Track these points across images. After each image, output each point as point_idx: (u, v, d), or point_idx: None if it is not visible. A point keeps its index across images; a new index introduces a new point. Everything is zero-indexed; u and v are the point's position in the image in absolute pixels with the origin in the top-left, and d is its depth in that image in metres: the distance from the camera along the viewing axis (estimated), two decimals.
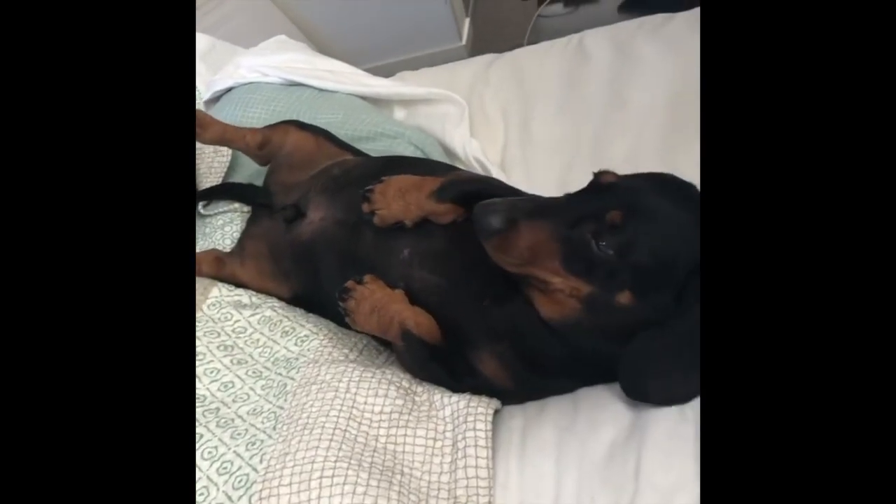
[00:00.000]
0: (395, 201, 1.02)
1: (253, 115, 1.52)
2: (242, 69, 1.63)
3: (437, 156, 1.43)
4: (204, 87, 1.68)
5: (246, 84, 1.62)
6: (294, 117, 1.48)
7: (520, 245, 0.86)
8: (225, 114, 1.57)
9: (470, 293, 0.99)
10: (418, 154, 1.41)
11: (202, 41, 1.82)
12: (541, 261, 0.86)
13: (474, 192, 0.99)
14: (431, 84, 1.58)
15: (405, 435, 0.96)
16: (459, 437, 0.95)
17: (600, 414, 0.95)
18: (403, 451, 0.95)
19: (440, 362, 1.01)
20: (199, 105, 1.66)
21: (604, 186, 0.87)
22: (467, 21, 3.20)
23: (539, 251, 0.86)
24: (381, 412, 0.97)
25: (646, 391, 0.90)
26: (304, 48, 1.77)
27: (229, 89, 1.64)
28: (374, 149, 1.41)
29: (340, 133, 1.43)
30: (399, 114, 1.55)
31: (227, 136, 1.31)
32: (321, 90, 1.56)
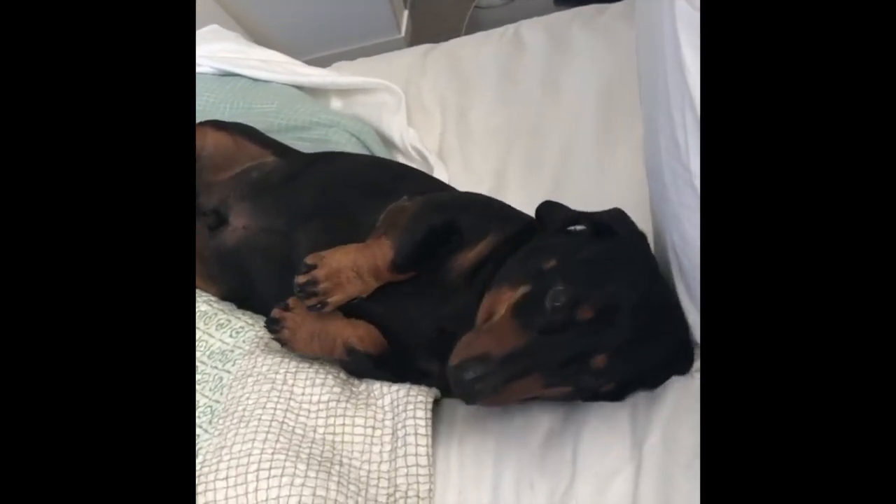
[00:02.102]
0: (352, 283, 0.96)
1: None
2: None
3: (375, 144, 1.41)
4: None
5: None
6: (228, 108, 1.45)
7: (514, 393, 0.85)
8: None
9: (418, 301, 0.98)
10: (354, 142, 1.39)
11: None
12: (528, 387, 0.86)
13: (431, 242, 0.98)
14: (368, 74, 1.57)
15: (343, 424, 0.95)
16: (399, 425, 0.95)
17: (537, 403, 0.96)
18: (342, 441, 0.94)
19: (387, 369, 1.00)
20: None
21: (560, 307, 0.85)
22: (406, 13, 3.19)
23: (527, 388, 0.86)
24: (318, 402, 0.97)
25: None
26: (238, 38, 1.74)
27: None
28: (310, 137, 1.39)
29: (275, 123, 1.41)
30: (335, 103, 1.53)
31: None
32: (255, 80, 1.52)
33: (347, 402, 0.97)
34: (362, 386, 1.01)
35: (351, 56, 1.80)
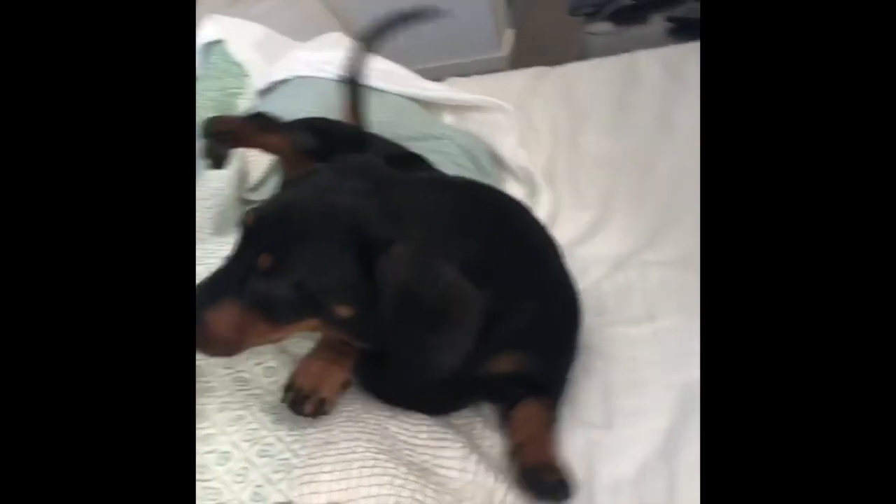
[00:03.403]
0: (333, 366, 0.95)
1: (306, 110, 1.54)
2: (298, 63, 1.65)
3: (484, 160, 1.44)
4: (258, 77, 1.70)
5: (301, 78, 1.64)
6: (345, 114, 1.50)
7: (221, 334, 0.81)
8: (278, 106, 1.58)
9: None
10: (464, 157, 1.42)
11: (257, 31, 1.84)
12: (249, 333, 0.82)
13: None
14: (481, 92, 1.60)
15: (443, 438, 0.97)
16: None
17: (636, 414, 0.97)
18: (441, 456, 0.95)
19: None
20: (252, 94, 1.68)
21: (250, 229, 0.83)
22: (508, 32, 3.22)
23: (240, 326, 0.81)
24: (420, 417, 0.99)
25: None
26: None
27: (283, 81, 1.66)
28: (422, 147, 1.41)
29: (388, 133, 1.45)
30: (448, 118, 1.57)
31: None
32: (373, 89, 1.58)
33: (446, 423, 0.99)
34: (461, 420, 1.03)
35: (451, 70, 1.84)
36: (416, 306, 0.78)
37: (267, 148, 1.26)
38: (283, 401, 0.92)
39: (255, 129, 1.23)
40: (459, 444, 0.96)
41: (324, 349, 0.96)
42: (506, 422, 0.99)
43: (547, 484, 0.91)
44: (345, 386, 0.96)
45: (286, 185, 0.86)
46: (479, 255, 0.85)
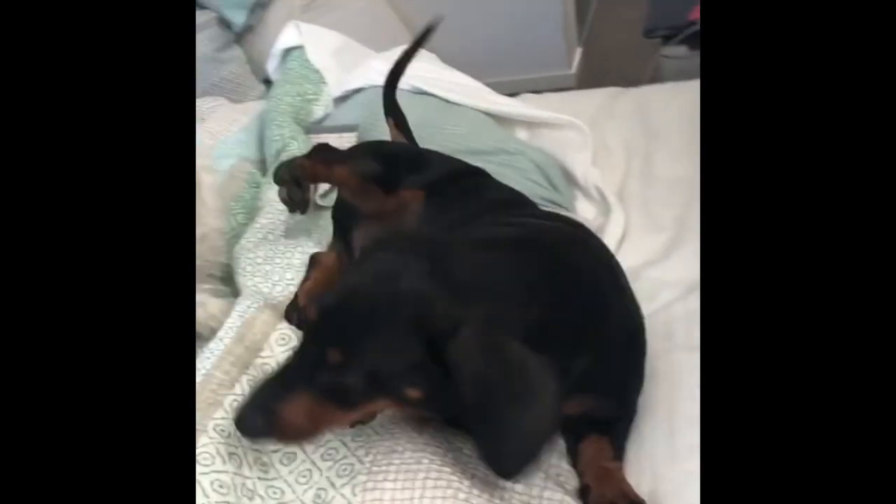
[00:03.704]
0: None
1: (380, 119, 1.56)
2: (374, 72, 1.67)
3: (556, 177, 1.43)
4: (334, 84, 1.73)
5: (376, 87, 1.65)
6: (420, 125, 1.51)
7: (295, 424, 0.82)
8: (353, 114, 1.61)
9: None
10: (537, 173, 1.41)
11: (335, 38, 1.87)
12: (322, 420, 0.84)
13: None
14: (554, 109, 1.59)
15: None
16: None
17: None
18: None
19: None
20: (328, 102, 1.71)
21: (316, 323, 0.84)
22: (579, 50, 3.21)
23: (313, 415, 0.82)
24: None
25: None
26: (434, 59, 1.81)
27: (359, 90, 1.68)
28: (495, 161, 1.42)
29: (463, 145, 1.45)
30: (521, 134, 1.57)
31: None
32: (447, 101, 1.59)
33: None
34: None
35: (519, 85, 1.84)
36: (492, 393, 0.78)
37: (334, 181, 1.28)
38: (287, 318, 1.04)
39: (323, 164, 1.25)
40: None
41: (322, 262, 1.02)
42: (574, 458, 0.98)
43: None
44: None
45: (346, 273, 0.89)
46: (544, 317, 0.85)
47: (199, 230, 1.18)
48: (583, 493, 0.93)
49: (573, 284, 0.92)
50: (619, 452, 0.97)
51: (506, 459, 0.81)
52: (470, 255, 0.87)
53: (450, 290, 0.81)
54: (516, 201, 1.17)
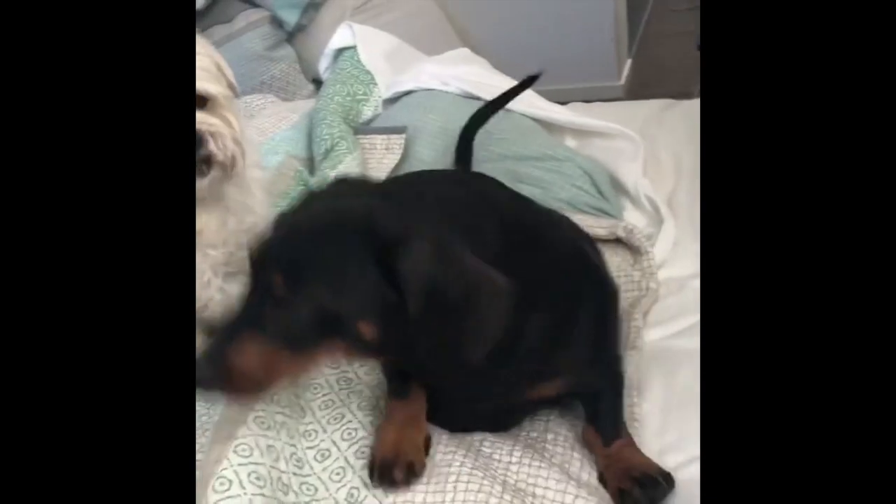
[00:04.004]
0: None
1: (429, 121, 1.56)
2: (425, 75, 1.68)
3: (605, 185, 1.42)
4: (384, 86, 1.74)
5: (426, 90, 1.66)
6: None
7: (246, 372, 0.75)
8: (402, 116, 1.61)
9: None
10: (585, 179, 1.41)
11: (388, 40, 1.88)
12: (275, 368, 0.76)
13: None
14: (604, 119, 1.58)
15: (540, 466, 0.95)
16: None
17: None
18: (537, 477, 0.94)
19: None
20: (378, 103, 1.72)
21: (260, 258, 0.78)
22: (629, 61, 3.20)
23: (264, 361, 0.75)
24: (514, 442, 0.98)
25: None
26: (485, 63, 1.81)
27: (409, 92, 1.69)
28: (543, 167, 1.42)
29: (511, 149, 1.45)
30: (570, 142, 1.56)
31: None
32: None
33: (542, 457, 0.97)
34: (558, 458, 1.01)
35: (567, 94, 1.83)
36: (442, 300, 0.71)
37: None
38: (371, 479, 0.89)
39: None
40: (556, 467, 0.94)
41: (392, 415, 0.94)
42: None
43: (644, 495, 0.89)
44: (426, 442, 0.94)
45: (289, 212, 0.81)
46: (503, 252, 0.78)
47: (249, 219, 1.19)
48: (602, 482, 0.93)
49: (530, 236, 0.87)
50: (612, 431, 0.94)
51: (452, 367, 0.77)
52: (425, 183, 0.84)
53: (403, 209, 0.75)
54: None
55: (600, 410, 0.96)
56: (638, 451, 0.94)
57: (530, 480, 0.91)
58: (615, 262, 1.26)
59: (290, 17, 2.34)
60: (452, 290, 0.71)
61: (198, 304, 1.20)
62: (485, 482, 0.88)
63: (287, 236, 0.77)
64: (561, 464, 0.95)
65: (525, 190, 1.36)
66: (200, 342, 1.22)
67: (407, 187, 0.82)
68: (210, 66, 1.10)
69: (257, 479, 0.85)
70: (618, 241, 1.30)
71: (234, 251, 1.21)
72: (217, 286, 1.20)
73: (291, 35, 2.41)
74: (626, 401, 1.00)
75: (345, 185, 0.84)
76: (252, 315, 0.75)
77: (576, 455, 0.97)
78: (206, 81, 1.07)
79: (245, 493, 0.83)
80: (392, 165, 1.52)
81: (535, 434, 1.01)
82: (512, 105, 1.56)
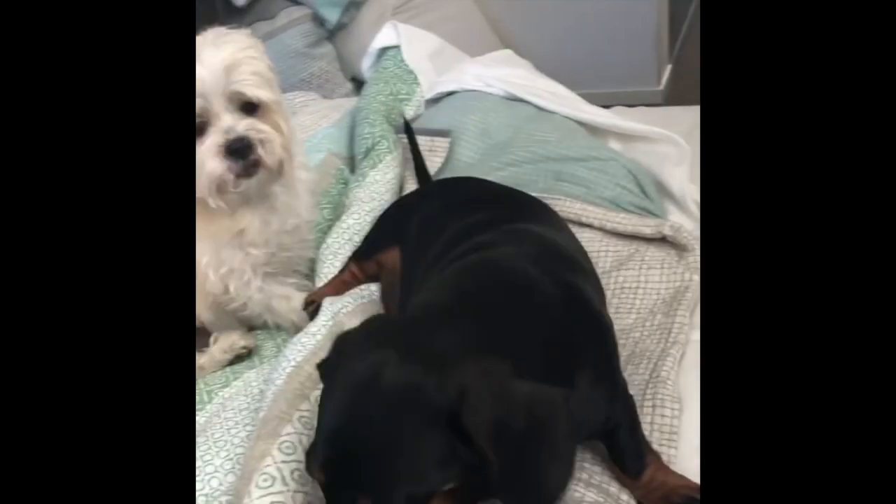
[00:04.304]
0: None
1: (469, 122, 1.56)
2: (467, 76, 1.67)
3: (649, 186, 1.40)
4: (427, 86, 1.74)
5: (469, 91, 1.66)
6: (512, 131, 1.51)
7: None
8: (443, 116, 1.61)
9: None
10: (629, 179, 1.39)
11: (431, 40, 1.88)
12: None
13: None
14: (647, 123, 1.56)
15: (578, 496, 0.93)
16: None
17: None
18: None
19: None
20: (420, 103, 1.71)
21: (326, 484, 0.73)
22: (669, 67, 3.16)
23: None
24: None
25: None
26: (528, 65, 1.81)
27: (451, 93, 1.69)
28: (585, 167, 1.41)
29: (554, 151, 1.44)
30: (614, 146, 1.54)
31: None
32: (540, 109, 1.58)
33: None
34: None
35: (606, 98, 1.82)
36: (509, 434, 0.70)
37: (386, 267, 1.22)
38: None
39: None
40: (594, 488, 0.93)
41: None
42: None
43: None
44: None
45: (323, 412, 0.76)
46: (534, 343, 0.80)
47: (292, 221, 1.19)
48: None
49: (545, 303, 0.86)
50: (638, 463, 0.92)
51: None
52: (433, 320, 0.80)
53: (435, 363, 0.72)
54: (490, 221, 1.05)
55: (621, 447, 0.93)
56: (671, 471, 0.92)
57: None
58: (659, 256, 1.24)
59: (332, 15, 2.34)
60: (515, 421, 0.71)
61: (237, 303, 1.21)
62: None
63: (343, 449, 0.71)
64: (599, 484, 0.93)
65: (568, 189, 1.36)
66: (237, 338, 1.23)
67: (426, 327, 0.78)
68: (264, 71, 1.10)
69: (300, 476, 0.85)
70: (663, 240, 1.27)
71: (276, 252, 1.22)
72: (257, 286, 1.21)
73: (332, 33, 2.42)
74: (666, 412, 0.99)
75: (373, 341, 0.78)
76: None
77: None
78: (257, 87, 1.07)
79: (288, 490, 0.83)
80: (435, 168, 1.51)
81: None
82: (556, 107, 1.55)
